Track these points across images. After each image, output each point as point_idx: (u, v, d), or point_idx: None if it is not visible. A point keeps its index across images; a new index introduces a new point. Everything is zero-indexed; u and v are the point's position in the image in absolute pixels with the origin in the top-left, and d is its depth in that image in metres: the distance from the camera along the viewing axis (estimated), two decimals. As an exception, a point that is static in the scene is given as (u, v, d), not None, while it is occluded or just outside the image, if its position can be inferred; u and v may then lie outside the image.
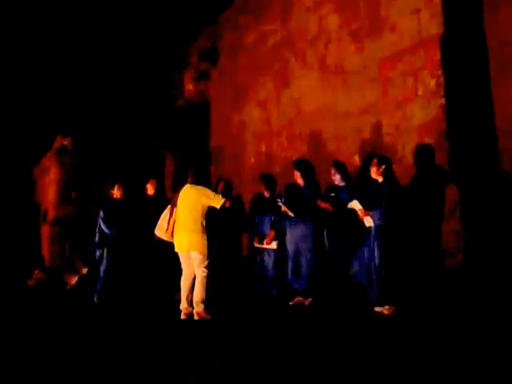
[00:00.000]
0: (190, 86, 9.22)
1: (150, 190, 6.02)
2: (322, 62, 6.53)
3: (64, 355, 3.06)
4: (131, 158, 9.38)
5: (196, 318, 4.29)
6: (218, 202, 4.38)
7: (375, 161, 4.43)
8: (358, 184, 4.92)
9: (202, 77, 9.11)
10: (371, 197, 4.33)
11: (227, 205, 4.40)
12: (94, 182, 9.11)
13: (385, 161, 4.42)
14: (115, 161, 9.41)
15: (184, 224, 4.44)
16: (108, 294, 5.68)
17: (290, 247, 5.11)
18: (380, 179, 4.40)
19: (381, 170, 4.37)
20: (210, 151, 8.96)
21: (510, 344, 2.84)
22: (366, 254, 4.35)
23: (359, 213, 4.38)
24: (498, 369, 2.40)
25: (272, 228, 5.39)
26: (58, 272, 8.17)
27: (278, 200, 5.13)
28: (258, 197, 5.67)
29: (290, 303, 4.98)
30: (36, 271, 8.39)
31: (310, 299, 4.93)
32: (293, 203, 5.04)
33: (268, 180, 5.60)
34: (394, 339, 3.23)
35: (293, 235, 5.10)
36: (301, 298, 4.98)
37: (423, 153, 4.66)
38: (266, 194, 5.57)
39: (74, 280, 7.31)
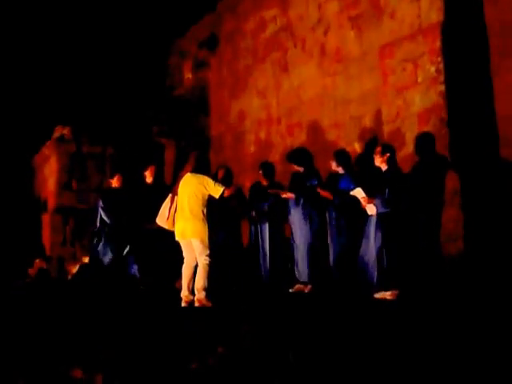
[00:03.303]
0: (189, 75, 9.12)
1: (149, 177, 6.01)
2: (322, 50, 6.50)
3: (63, 344, 3.04)
4: (131, 146, 9.36)
5: (197, 304, 4.31)
6: (216, 191, 4.40)
7: (379, 149, 4.40)
8: (361, 171, 4.92)
9: (201, 65, 9.01)
10: (374, 184, 4.32)
11: (226, 195, 4.41)
12: (93, 171, 9.12)
13: (389, 149, 4.40)
14: (115, 150, 9.40)
15: (185, 212, 4.46)
16: (107, 283, 5.70)
17: (292, 236, 5.12)
18: (384, 167, 4.38)
19: (385, 158, 4.35)
20: (209, 139, 8.92)
21: (509, 331, 2.85)
22: (367, 241, 4.35)
23: (362, 201, 4.36)
24: (499, 358, 2.39)
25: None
26: (59, 261, 8.19)
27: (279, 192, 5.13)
28: (257, 185, 5.68)
29: (290, 290, 5.02)
30: (37, 260, 8.41)
31: (309, 286, 4.96)
32: (298, 191, 5.05)
33: (266, 168, 5.60)
34: (396, 325, 3.23)
35: (293, 224, 5.11)
36: (301, 286, 5.01)
37: (424, 141, 4.64)
38: (264, 183, 5.58)
39: (74, 268, 7.33)
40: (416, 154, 4.70)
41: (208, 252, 4.39)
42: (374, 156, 4.43)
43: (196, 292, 4.35)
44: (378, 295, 4.25)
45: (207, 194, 4.46)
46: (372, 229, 4.30)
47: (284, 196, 5.12)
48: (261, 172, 5.57)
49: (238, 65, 8.27)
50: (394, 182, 4.26)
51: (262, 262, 5.43)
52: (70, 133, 9.47)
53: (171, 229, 4.59)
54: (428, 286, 4.10)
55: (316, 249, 4.99)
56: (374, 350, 2.61)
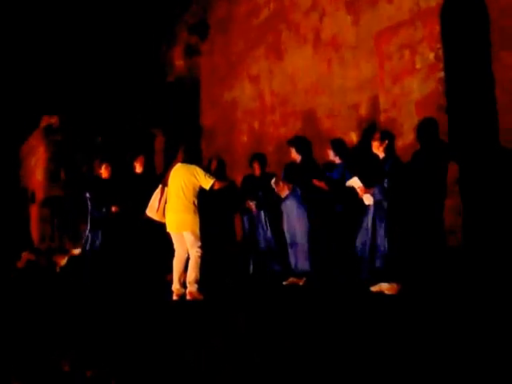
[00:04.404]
0: (179, 62, 8.99)
1: (139, 167, 5.95)
2: (317, 36, 6.32)
3: (54, 338, 3.03)
4: (120, 135, 9.20)
5: (188, 297, 4.28)
6: (207, 182, 4.34)
7: (377, 135, 4.28)
8: (358, 160, 4.80)
9: (192, 52, 8.87)
10: (372, 173, 4.20)
11: (216, 187, 4.33)
12: (82, 161, 9.00)
13: (388, 136, 4.28)
14: (103, 139, 9.24)
15: (175, 203, 4.41)
16: (98, 275, 5.64)
17: (285, 228, 5.03)
18: (382, 155, 4.26)
19: (384, 145, 4.22)
20: (200, 128, 8.80)
21: (507, 324, 2.80)
22: (365, 233, 4.23)
23: (359, 190, 4.26)
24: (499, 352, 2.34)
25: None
26: (47, 253, 8.08)
27: (272, 183, 5.03)
28: (249, 177, 5.62)
29: (284, 283, 4.93)
30: (25, 252, 8.29)
31: (304, 279, 4.88)
32: (293, 182, 4.96)
33: (261, 159, 5.55)
34: (394, 318, 3.18)
35: (288, 217, 5.01)
36: (294, 279, 4.92)
37: (426, 127, 4.52)
38: (257, 173, 5.50)
39: (63, 261, 7.24)
40: (417, 140, 4.57)
41: (200, 244, 4.34)
42: (372, 142, 4.31)
43: (188, 285, 4.31)
44: (374, 288, 4.15)
45: (198, 184, 4.40)
46: (370, 219, 4.19)
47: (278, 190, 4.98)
48: (256, 163, 5.50)
49: (230, 51, 8.11)
50: (392, 170, 4.14)
51: (261, 251, 5.38)
52: (58, 122, 9.36)
53: (162, 220, 4.53)
54: (429, 280, 3.99)
55: (312, 241, 4.87)
56: (370, 345, 2.54)
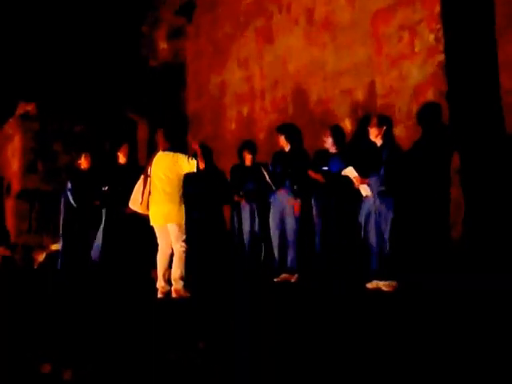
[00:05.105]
0: (163, 45, 8.79)
1: (122, 157, 5.71)
2: (310, 16, 6.17)
3: (30, 337, 2.94)
4: (100, 123, 8.97)
5: (174, 295, 4.15)
6: (191, 166, 4.18)
7: (375, 120, 4.09)
8: (353, 149, 4.59)
9: (177, 34, 8.66)
10: (368, 163, 3.98)
11: (202, 167, 4.16)
12: (60, 151, 8.73)
13: (386, 121, 4.08)
14: (83, 127, 9.00)
15: (159, 195, 4.25)
16: (77, 272, 5.49)
17: (274, 222, 4.86)
18: (379, 142, 4.07)
19: (381, 131, 4.02)
20: (186, 115, 8.63)
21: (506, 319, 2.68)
22: (362, 226, 4.05)
23: (354, 181, 4.08)
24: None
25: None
26: (25, 248, 7.84)
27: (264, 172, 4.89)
28: (238, 167, 5.47)
29: (275, 280, 4.79)
30: (0, 248, 8.02)
31: (296, 275, 4.74)
32: (282, 173, 4.80)
33: (251, 147, 5.40)
34: (393, 316, 3.05)
35: (277, 209, 4.84)
36: (287, 275, 4.78)
37: (428, 113, 4.38)
38: (248, 163, 5.35)
39: (41, 257, 7.02)
40: (419, 126, 4.42)
41: (184, 237, 4.20)
42: (369, 129, 4.13)
43: (173, 282, 4.17)
44: (370, 285, 4.00)
45: (182, 173, 4.24)
46: (368, 212, 4.00)
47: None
48: (247, 152, 5.35)
49: (218, 33, 7.95)
50: (390, 158, 3.96)
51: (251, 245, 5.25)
52: (35, 109, 9.10)
53: (145, 213, 4.37)
54: (429, 275, 3.81)
55: (304, 235, 4.73)
56: (366, 344, 2.43)
